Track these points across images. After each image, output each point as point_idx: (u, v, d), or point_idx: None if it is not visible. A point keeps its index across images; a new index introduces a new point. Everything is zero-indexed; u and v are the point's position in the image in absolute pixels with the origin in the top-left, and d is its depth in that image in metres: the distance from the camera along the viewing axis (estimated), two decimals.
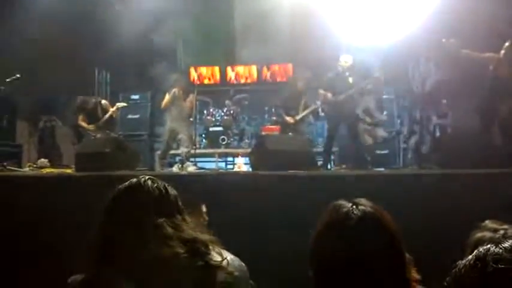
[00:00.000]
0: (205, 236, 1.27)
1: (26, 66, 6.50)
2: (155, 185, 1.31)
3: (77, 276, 1.26)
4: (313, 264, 1.03)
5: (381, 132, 6.82)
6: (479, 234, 1.47)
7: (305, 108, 6.37)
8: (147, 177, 1.35)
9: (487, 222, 1.52)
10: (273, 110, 7.61)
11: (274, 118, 7.14)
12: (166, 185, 1.34)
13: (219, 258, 1.25)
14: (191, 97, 6.56)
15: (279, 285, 2.48)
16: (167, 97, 6.49)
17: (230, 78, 9.02)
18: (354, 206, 1.04)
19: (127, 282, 1.16)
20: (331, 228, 1.03)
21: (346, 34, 6.67)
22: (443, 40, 5.45)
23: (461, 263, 0.71)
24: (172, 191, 1.34)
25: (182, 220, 1.28)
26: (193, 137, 6.89)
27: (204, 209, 2.59)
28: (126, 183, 1.32)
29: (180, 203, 1.32)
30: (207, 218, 2.61)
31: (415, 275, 1.01)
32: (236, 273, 1.28)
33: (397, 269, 0.99)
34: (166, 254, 1.18)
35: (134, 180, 1.32)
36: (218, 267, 1.22)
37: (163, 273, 1.17)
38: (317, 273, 1.02)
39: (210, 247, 1.26)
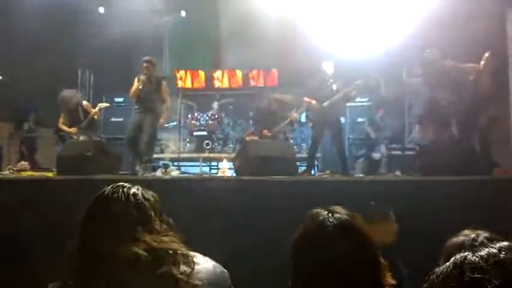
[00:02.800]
0: (175, 245, 1.25)
1: (7, 67, 6.39)
2: (132, 191, 1.31)
3: (56, 283, 1.24)
4: (292, 271, 1.05)
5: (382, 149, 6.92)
6: (453, 239, 1.51)
7: (283, 119, 6.44)
8: (125, 183, 1.35)
9: (464, 230, 1.56)
10: (250, 122, 7.65)
11: (252, 131, 7.16)
12: (143, 191, 1.33)
13: (185, 269, 1.23)
14: (164, 85, 5.98)
15: None
16: (135, 84, 5.86)
17: (215, 83, 9.03)
18: (330, 214, 1.06)
19: (107, 286, 1.16)
20: (307, 236, 1.05)
21: (330, 41, 6.77)
22: (426, 50, 5.58)
23: (439, 270, 0.72)
24: (150, 197, 1.33)
25: (157, 227, 1.27)
26: (178, 141, 6.86)
27: (393, 217, 2.51)
28: (103, 190, 1.31)
29: (157, 209, 1.31)
30: (396, 226, 2.52)
31: (389, 280, 1.03)
32: (201, 284, 1.23)
33: (372, 274, 1.01)
34: (127, 255, 1.18)
35: (110, 187, 1.31)
36: (179, 278, 1.19)
37: (130, 273, 1.17)
38: (295, 280, 1.03)
39: (180, 256, 1.24)
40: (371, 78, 6.06)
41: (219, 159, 7.14)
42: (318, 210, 1.08)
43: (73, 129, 6.27)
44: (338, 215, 1.05)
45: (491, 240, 1.43)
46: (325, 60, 6.14)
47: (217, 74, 9.04)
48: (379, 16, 6.70)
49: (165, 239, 1.25)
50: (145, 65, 5.79)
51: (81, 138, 6.08)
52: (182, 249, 1.26)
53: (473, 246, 1.36)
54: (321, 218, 1.05)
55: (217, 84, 9.01)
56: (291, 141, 7.32)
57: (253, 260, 3.33)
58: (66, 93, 6.32)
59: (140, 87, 5.77)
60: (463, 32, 5.78)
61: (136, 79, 5.87)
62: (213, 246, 1.45)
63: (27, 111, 7.61)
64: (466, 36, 5.72)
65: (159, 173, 5.71)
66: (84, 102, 6.51)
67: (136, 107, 6.10)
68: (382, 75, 6.65)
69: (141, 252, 1.19)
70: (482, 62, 5.18)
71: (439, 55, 5.44)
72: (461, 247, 1.43)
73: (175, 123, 7.54)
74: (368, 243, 1.04)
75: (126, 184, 1.34)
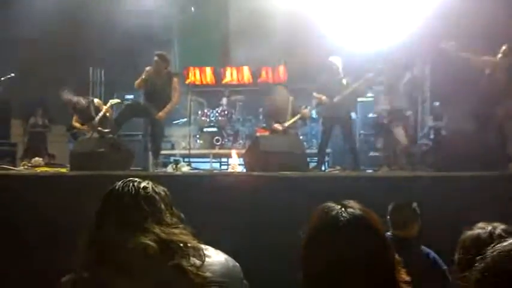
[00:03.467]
0: (185, 237, 1.26)
1: (20, 65, 6.47)
2: (142, 185, 1.33)
3: (69, 276, 1.26)
4: (303, 266, 1.04)
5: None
6: (469, 232, 1.49)
7: (294, 114, 6.40)
8: (135, 178, 1.36)
9: (479, 223, 1.53)
10: (261, 117, 7.63)
11: (264, 126, 7.15)
12: (153, 185, 1.35)
13: (195, 261, 1.23)
14: (175, 82, 5.90)
15: (271, 286, 2.49)
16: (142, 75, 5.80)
17: (224, 79, 9.03)
18: (343, 209, 1.04)
19: (120, 280, 1.17)
20: (320, 231, 1.04)
21: (339, 36, 6.72)
22: (443, 43, 5.47)
23: (493, 252, 0.71)
24: (160, 191, 1.34)
25: (168, 220, 1.29)
26: (189, 138, 6.88)
27: (416, 208, 2.65)
28: (114, 185, 1.33)
29: (168, 202, 1.33)
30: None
31: (404, 276, 1.02)
32: (213, 277, 1.24)
33: (386, 270, 1.00)
34: (137, 246, 1.19)
35: (121, 182, 1.34)
36: (189, 270, 1.19)
37: (140, 264, 1.18)
38: (307, 276, 1.03)
39: (190, 249, 1.24)
40: (381, 71, 5.98)
41: (229, 155, 7.16)
42: (331, 204, 1.07)
43: (86, 127, 6.34)
44: (351, 210, 1.03)
45: (508, 232, 1.41)
46: (334, 55, 6.09)
47: (227, 70, 9.04)
48: (389, 9, 6.61)
49: (175, 231, 1.26)
50: (155, 58, 5.75)
51: (94, 135, 6.15)
52: (192, 241, 1.27)
53: (490, 239, 1.35)
54: (334, 212, 1.03)
55: (226, 80, 9.02)
56: (302, 136, 7.29)
57: (263, 255, 3.33)
58: (67, 96, 6.36)
59: (143, 76, 5.69)
60: (478, 24, 5.66)
61: (144, 72, 5.82)
62: (223, 241, 1.45)
63: (34, 107, 7.70)
64: (481, 29, 5.61)
65: (170, 169, 5.75)
66: (96, 100, 6.57)
67: (145, 101, 6.06)
68: (391, 69, 6.55)
69: (150, 243, 1.20)
70: (499, 55, 5.08)
71: (455, 47, 5.33)
72: (477, 240, 1.41)
73: (185, 119, 7.58)
74: (382, 239, 1.02)
75: (136, 179, 1.36)
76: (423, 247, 2.61)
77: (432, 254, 2.59)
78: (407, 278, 1.01)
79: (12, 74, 6.18)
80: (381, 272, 0.98)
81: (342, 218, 1.01)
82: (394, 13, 6.57)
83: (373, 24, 6.73)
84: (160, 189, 1.35)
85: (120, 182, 1.34)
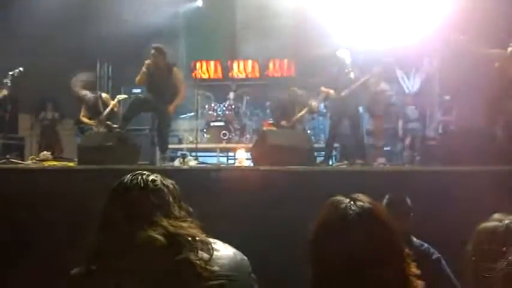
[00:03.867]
0: (193, 231, 1.25)
1: (28, 60, 6.50)
2: (150, 178, 1.33)
3: (78, 268, 1.27)
4: (312, 261, 1.03)
5: None
6: (483, 225, 1.46)
7: (300, 109, 6.36)
8: (144, 171, 1.36)
9: (494, 214, 1.50)
10: (268, 111, 7.60)
11: (271, 121, 7.13)
12: (162, 178, 1.34)
13: (204, 255, 1.22)
14: (176, 72, 5.81)
15: (279, 280, 2.49)
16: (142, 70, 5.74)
17: (232, 73, 9.01)
18: (352, 202, 1.03)
19: (127, 274, 1.17)
20: (329, 224, 1.02)
21: (347, 30, 6.65)
22: (452, 37, 5.40)
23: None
24: (169, 184, 1.34)
25: (176, 213, 1.28)
26: (196, 132, 6.89)
27: (408, 202, 2.64)
28: (123, 178, 1.33)
29: (176, 196, 1.32)
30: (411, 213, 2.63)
31: (414, 269, 1.00)
32: (221, 270, 1.23)
33: (396, 264, 0.98)
34: (144, 239, 1.19)
35: (130, 175, 1.34)
36: (197, 264, 1.19)
37: (147, 258, 1.17)
38: (316, 269, 1.02)
39: (198, 242, 1.24)
40: (388, 66, 5.92)
41: (236, 150, 7.16)
42: (339, 197, 1.05)
43: (93, 121, 6.37)
44: (360, 203, 1.02)
45: None
46: (342, 49, 6.04)
47: (234, 64, 9.02)
48: (398, 3, 6.54)
49: (184, 224, 1.25)
50: (152, 52, 5.68)
51: (101, 129, 6.18)
52: (201, 235, 1.26)
53: (507, 232, 1.32)
54: (343, 205, 1.02)
55: (234, 74, 9.00)
56: (309, 131, 7.26)
57: (270, 249, 3.33)
58: (77, 89, 6.39)
59: (144, 69, 5.64)
60: (488, 18, 5.58)
61: (144, 67, 5.76)
62: (230, 235, 1.45)
63: (44, 101, 7.76)
64: (491, 23, 5.53)
65: (177, 163, 5.76)
66: (104, 94, 6.60)
67: (149, 95, 6.00)
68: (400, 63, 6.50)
69: (158, 236, 1.19)
70: (509, 49, 5.00)
71: (465, 40, 5.26)
72: (493, 232, 1.38)
73: (192, 114, 7.58)
74: (392, 232, 1.01)
75: (145, 172, 1.36)
76: (414, 239, 2.62)
77: (425, 244, 2.62)
78: (418, 272, 1.00)
79: (21, 69, 6.22)
80: (391, 265, 0.97)
81: (351, 211, 1.00)
82: (403, 7, 6.49)
83: (382, 18, 6.66)
84: (168, 182, 1.35)
85: (129, 175, 1.34)
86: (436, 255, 2.56)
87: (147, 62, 5.69)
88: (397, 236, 1.02)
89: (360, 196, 1.05)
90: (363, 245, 0.97)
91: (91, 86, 6.73)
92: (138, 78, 5.77)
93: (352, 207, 1.01)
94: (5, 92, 6.00)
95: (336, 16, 6.76)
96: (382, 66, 5.88)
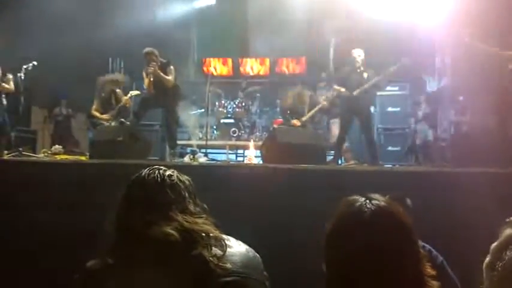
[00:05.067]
0: (207, 227, 1.26)
1: (41, 54, 6.58)
2: (167, 173, 1.34)
3: (93, 261, 1.28)
4: (328, 259, 1.03)
5: None
6: (507, 231, 1.42)
7: (311, 108, 6.34)
8: (161, 166, 1.38)
9: None
10: (278, 109, 7.59)
11: (281, 119, 7.12)
12: (178, 174, 1.36)
13: (217, 251, 1.23)
14: (172, 69, 5.88)
15: (290, 278, 2.49)
16: (145, 79, 5.88)
17: (243, 70, 9.01)
18: (367, 201, 1.03)
19: (142, 267, 1.19)
20: (344, 222, 1.02)
21: (359, 28, 6.61)
22: (464, 35, 5.32)
23: None
24: (185, 180, 1.36)
25: (191, 208, 1.30)
26: (206, 128, 6.91)
27: (408, 202, 2.53)
28: (140, 172, 1.35)
29: (192, 192, 1.33)
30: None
31: (429, 270, 1.00)
32: (234, 267, 1.24)
33: (412, 264, 0.98)
34: (159, 234, 1.19)
35: (147, 169, 1.35)
36: (210, 260, 1.19)
37: (161, 253, 1.18)
38: (331, 268, 1.01)
39: (212, 239, 1.24)
40: (404, 65, 5.85)
41: (246, 147, 7.17)
42: (354, 196, 1.05)
43: (105, 116, 6.42)
44: (376, 202, 1.02)
45: None
46: (354, 47, 6.00)
47: (245, 61, 9.02)
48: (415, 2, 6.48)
49: (198, 220, 1.26)
50: (148, 57, 5.80)
51: (113, 123, 6.23)
52: (215, 231, 1.27)
53: None
54: (358, 204, 1.02)
55: (244, 71, 9.00)
56: (319, 130, 7.24)
57: (279, 247, 3.33)
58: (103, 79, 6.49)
59: (151, 79, 5.79)
60: (502, 16, 5.49)
61: (144, 74, 5.91)
62: (238, 232, 1.45)
63: (59, 97, 7.87)
64: (504, 22, 5.44)
65: (187, 159, 5.79)
66: (118, 90, 6.65)
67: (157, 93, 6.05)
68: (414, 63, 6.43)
69: (172, 232, 1.20)
70: None
71: (478, 39, 5.19)
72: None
73: (202, 110, 7.60)
74: (408, 232, 1.00)
75: (162, 167, 1.38)
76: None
77: (427, 246, 2.58)
78: (433, 272, 0.99)
79: (34, 63, 6.30)
80: (406, 265, 0.96)
81: (367, 210, 1.00)
82: (416, 4, 6.43)
83: (393, 15, 6.60)
84: (184, 178, 1.37)
85: (146, 169, 1.35)
86: (440, 258, 2.51)
87: (148, 70, 5.80)
88: (414, 235, 1.01)
89: (376, 195, 1.05)
90: (378, 244, 0.96)
91: (118, 84, 6.78)
92: (147, 86, 5.92)
93: (368, 206, 1.01)
94: (11, 83, 6.09)
95: (349, 13, 6.72)
96: (397, 67, 5.80)
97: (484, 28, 5.48)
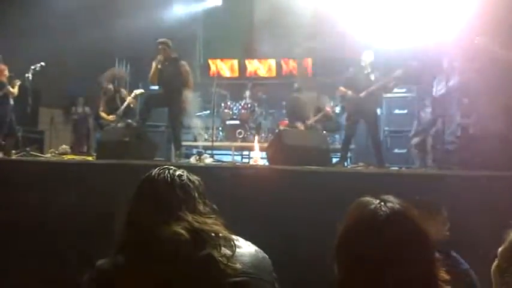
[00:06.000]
0: (217, 227, 1.26)
1: (48, 56, 6.62)
2: (177, 173, 1.35)
3: (102, 261, 1.29)
4: (340, 261, 1.02)
5: None
6: None
7: (318, 111, 6.31)
8: (171, 166, 1.38)
9: None
10: (284, 111, 7.59)
11: (286, 120, 7.12)
12: (188, 174, 1.36)
13: (226, 252, 1.23)
14: (183, 65, 5.83)
15: (299, 280, 2.48)
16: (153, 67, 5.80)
17: (248, 72, 9.02)
18: (382, 203, 1.02)
19: (152, 267, 1.19)
20: (359, 224, 1.01)
21: (367, 30, 6.58)
22: (476, 38, 5.28)
23: None
24: (195, 180, 1.36)
25: (201, 209, 1.30)
26: (212, 130, 6.93)
27: (445, 213, 2.42)
28: (150, 172, 1.35)
29: (202, 192, 1.34)
30: (448, 224, 2.42)
31: (443, 275, 0.99)
32: (243, 267, 1.23)
33: (426, 268, 0.97)
34: (169, 234, 1.20)
35: (157, 169, 1.35)
36: (220, 260, 1.20)
37: (171, 252, 1.18)
38: (344, 270, 1.01)
39: (221, 239, 1.24)
40: (411, 68, 5.82)
41: (251, 149, 7.17)
42: (368, 198, 1.04)
43: (111, 117, 6.45)
44: (391, 204, 1.01)
45: None
46: (361, 48, 5.99)
47: (251, 62, 9.03)
48: (419, 3, 6.44)
49: (208, 221, 1.27)
50: (160, 47, 5.77)
51: (119, 125, 6.26)
52: (224, 232, 1.27)
53: None
54: (373, 206, 1.01)
55: (250, 72, 9.01)
56: (325, 132, 7.22)
57: (284, 249, 3.32)
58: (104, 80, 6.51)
59: (159, 66, 5.72)
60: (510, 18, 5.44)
61: (153, 63, 5.84)
62: (244, 234, 1.45)
63: (75, 96, 7.94)
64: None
65: (193, 160, 5.79)
66: (122, 90, 6.67)
67: (162, 92, 6.04)
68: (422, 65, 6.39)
69: (182, 231, 1.21)
70: None
71: (491, 43, 5.14)
72: None
73: (208, 111, 7.61)
74: (423, 235, 0.99)
75: (172, 167, 1.38)
76: None
77: (454, 253, 2.46)
78: (447, 277, 0.98)
79: (42, 63, 6.34)
80: (420, 269, 0.95)
81: (382, 212, 0.99)
82: (424, 7, 6.39)
83: (401, 18, 6.57)
84: (194, 178, 1.37)
85: (156, 169, 1.36)
86: (465, 265, 2.37)
87: (158, 57, 5.77)
88: (428, 238, 1.00)
89: (390, 198, 1.04)
90: (392, 248, 0.95)
91: (119, 81, 6.81)
92: (150, 75, 5.85)
93: (383, 208, 1.00)
94: (16, 84, 6.15)
95: (356, 14, 6.69)
96: (404, 69, 5.78)
97: (493, 30, 5.43)
